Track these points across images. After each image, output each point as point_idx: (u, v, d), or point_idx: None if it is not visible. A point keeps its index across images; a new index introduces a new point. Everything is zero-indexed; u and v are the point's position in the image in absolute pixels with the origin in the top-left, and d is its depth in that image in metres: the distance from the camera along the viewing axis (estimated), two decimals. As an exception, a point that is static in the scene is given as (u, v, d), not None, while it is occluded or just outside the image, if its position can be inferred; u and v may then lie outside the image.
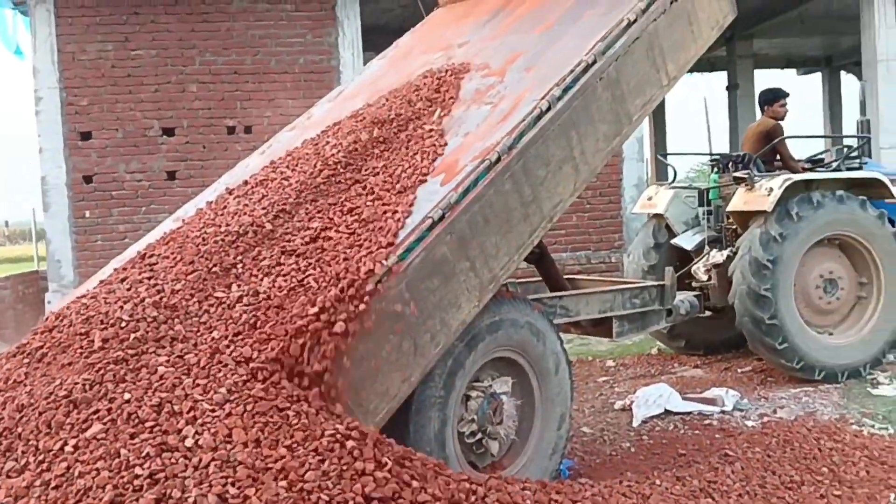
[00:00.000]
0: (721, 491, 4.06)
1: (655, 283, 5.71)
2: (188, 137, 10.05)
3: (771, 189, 6.37)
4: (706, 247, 7.06)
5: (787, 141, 7.18)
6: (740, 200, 6.61)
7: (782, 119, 7.32)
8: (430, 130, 4.45)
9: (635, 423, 5.72)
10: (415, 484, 3.04)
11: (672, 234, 7.35)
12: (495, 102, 4.42)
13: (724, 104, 18.22)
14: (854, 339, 6.63)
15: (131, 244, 10.48)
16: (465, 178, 3.84)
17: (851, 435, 5.04)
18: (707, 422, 5.60)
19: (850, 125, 17.73)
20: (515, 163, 3.98)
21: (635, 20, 4.56)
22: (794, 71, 21.94)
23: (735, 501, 3.98)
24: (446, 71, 4.97)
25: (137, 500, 2.69)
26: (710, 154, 8.00)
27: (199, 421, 3.03)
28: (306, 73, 10.25)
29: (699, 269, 6.93)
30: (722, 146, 18.05)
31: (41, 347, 3.62)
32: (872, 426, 5.37)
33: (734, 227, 7.00)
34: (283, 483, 2.83)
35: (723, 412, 5.78)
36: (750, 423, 5.51)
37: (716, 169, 7.49)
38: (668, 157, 8.52)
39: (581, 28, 4.72)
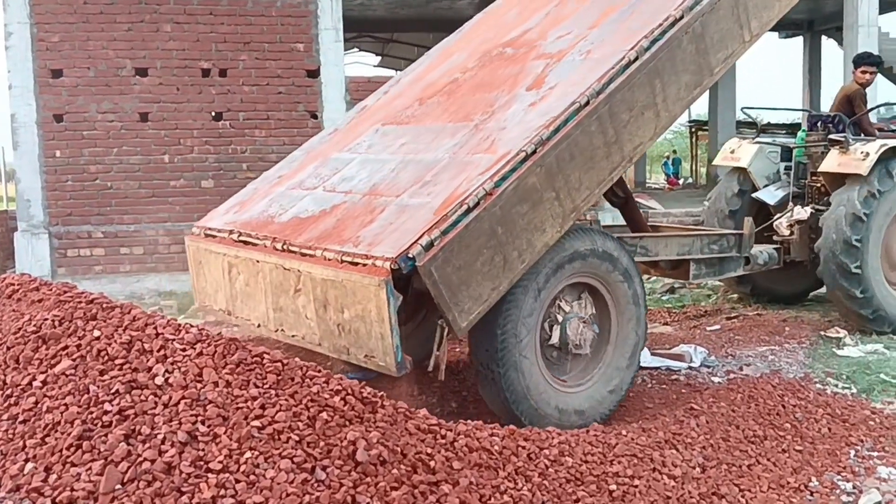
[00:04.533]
0: (685, 443, 4.12)
1: (734, 231, 6.16)
2: (161, 79, 9.84)
3: (867, 154, 6.58)
4: (790, 202, 7.28)
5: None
6: (834, 162, 6.80)
7: (865, 85, 7.47)
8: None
9: (604, 377, 5.78)
10: (385, 427, 3.05)
11: (753, 188, 7.54)
12: (590, 50, 4.87)
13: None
14: None
15: (102, 185, 10.30)
16: (556, 118, 4.28)
17: (815, 393, 5.13)
18: (674, 377, 5.68)
19: (829, 90, 17.75)
20: (602, 106, 4.40)
21: None
22: (776, 34, 21.89)
23: (699, 453, 4.04)
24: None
25: (106, 435, 2.68)
26: (800, 110, 7.93)
27: (170, 360, 3.03)
28: (283, 17, 10.04)
29: (781, 223, 7.17)
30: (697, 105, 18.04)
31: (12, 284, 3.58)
32: (836, 385, 5.47)
33: (818, 184, 7.25)
34: (255, 423, 2.83)
35: (690, 368, 5.86)
36: (716, 379, 5.59)
37: (804, 127, 7.70)
38: (752, 111, 8.71)
39: None
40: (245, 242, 4.70)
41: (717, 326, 7.22)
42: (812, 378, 5.56)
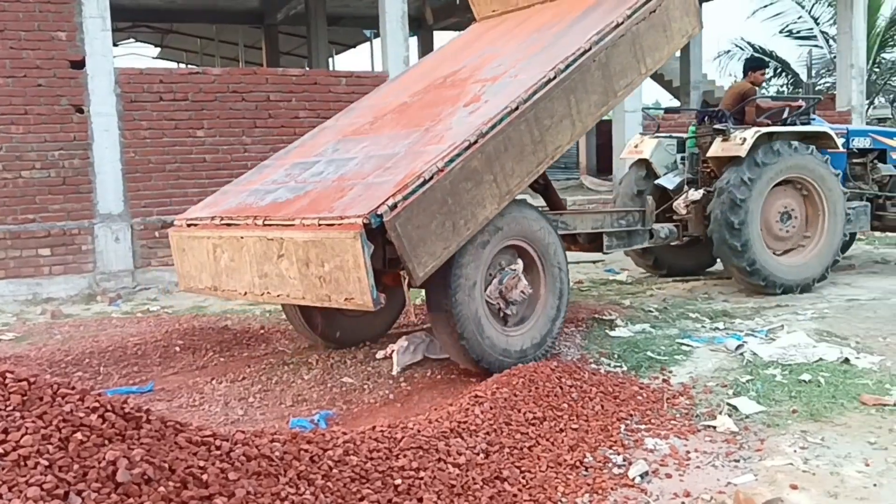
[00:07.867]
0: (470, 430, 4.18)
1: (638, 208, 7.55)
2: None
3: (744, 139, 8.05)
4: (685, 186, 8.68)
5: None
6: (718, 148, 8.26)
7: (760, 85, 9.03)
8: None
9: (395, 371, 5.80)
10: (150, 443, 2.84)
11: (655, 176, 8.89)
12: (517, 74, 6.01)
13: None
14: (804, 260, 8.43)
15: None
16: (492, 118, 5.31)
17: (589, 373, 5.40)
18: (463, 368, 5.79)
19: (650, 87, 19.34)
20: (529, 111, 5.48)
21: (622, 22, 6.18)
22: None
23: (482, 439, 4.12)
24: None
25: None
26: (692, 109, 9.14)
27: None
28: (42, 3, 9.20)
29: (679, 204, 8.53)
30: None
31: None
32: (608, 364, 5.81)
33: (709, 170, 8.69)
34: (-4, 450, 2.53)
35: (477, 357, 5.97)
36: (501, 366, 5.74)
37: (694, 122, 9.15)
38: (651, 111, 10.39)
39: (583, 26, 6.41)
40: (227, 225, 5.51)
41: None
42: (587, 359, 5.88)
